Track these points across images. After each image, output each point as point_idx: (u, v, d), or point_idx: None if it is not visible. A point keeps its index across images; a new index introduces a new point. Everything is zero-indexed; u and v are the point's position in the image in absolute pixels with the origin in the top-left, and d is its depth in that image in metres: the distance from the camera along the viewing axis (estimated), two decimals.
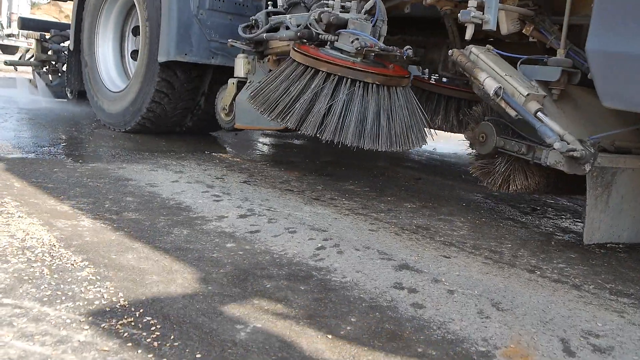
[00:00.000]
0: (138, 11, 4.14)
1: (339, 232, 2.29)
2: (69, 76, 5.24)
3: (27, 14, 24.92)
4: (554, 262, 2.22)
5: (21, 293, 1.47)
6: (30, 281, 1.55)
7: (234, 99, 3.58)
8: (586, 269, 2.18)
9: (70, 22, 5.15)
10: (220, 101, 3.77)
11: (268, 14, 3.38)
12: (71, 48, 4.98)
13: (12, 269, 1.61)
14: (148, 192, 2.60)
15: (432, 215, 2.74)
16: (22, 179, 2.60)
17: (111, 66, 4.66)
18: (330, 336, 1.42)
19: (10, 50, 21.92)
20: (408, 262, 2.03)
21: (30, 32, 6.04)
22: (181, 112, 4.22)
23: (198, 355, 1.26)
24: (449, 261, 2.09)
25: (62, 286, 1.54)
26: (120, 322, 1.38)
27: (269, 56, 3.44)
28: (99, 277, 1.62)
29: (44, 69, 5.92)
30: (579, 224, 2.95)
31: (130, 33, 4.70)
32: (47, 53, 5.83)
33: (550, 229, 2.76)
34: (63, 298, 1.47)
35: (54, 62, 5.88)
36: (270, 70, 3.28)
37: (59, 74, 5.84)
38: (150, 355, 1.24)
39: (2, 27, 22.11)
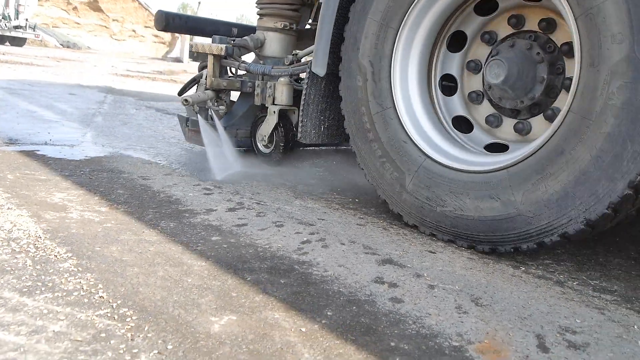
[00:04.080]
0: None
1: (326, 226, 2.31)
2: (304, 121, 2.97)
3: (35, 6, 24.97)
4: (540, 259, 2.22)
5: (2, 284, 1.50)
6: (12, 272, 1.57)
7: None
8: (572, 265, 2.18)
9: (232, 21, 3.27)
10: None
11: None
12: (319, 72, 2.82)
13: None
14: (140, 185, 2.63)
15: None
16: (14, 171, 2.63)
17: (419, 110, 2.53)
18: (304, 329, 1.44)
19: (17, 42, 21.99)
20: (392, 256, 2.04)
21: (200, 42, 3.51)
22: None
23: (170, 347, 1.28)
24: (434, 256, 2.10)
25: (43, 277, 1.57)
26: (96, 313, 1.40)
27: None
28: (80, 269, 1.65)
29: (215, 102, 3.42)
30: None
31: (445, 47, 2.59)
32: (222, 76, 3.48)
33: None
34: (43, 289, 1.50)
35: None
36: None
37: (223, 109, 3.44)
38: (122, 346, 1.26)
39: (10, 19, 22.20)
